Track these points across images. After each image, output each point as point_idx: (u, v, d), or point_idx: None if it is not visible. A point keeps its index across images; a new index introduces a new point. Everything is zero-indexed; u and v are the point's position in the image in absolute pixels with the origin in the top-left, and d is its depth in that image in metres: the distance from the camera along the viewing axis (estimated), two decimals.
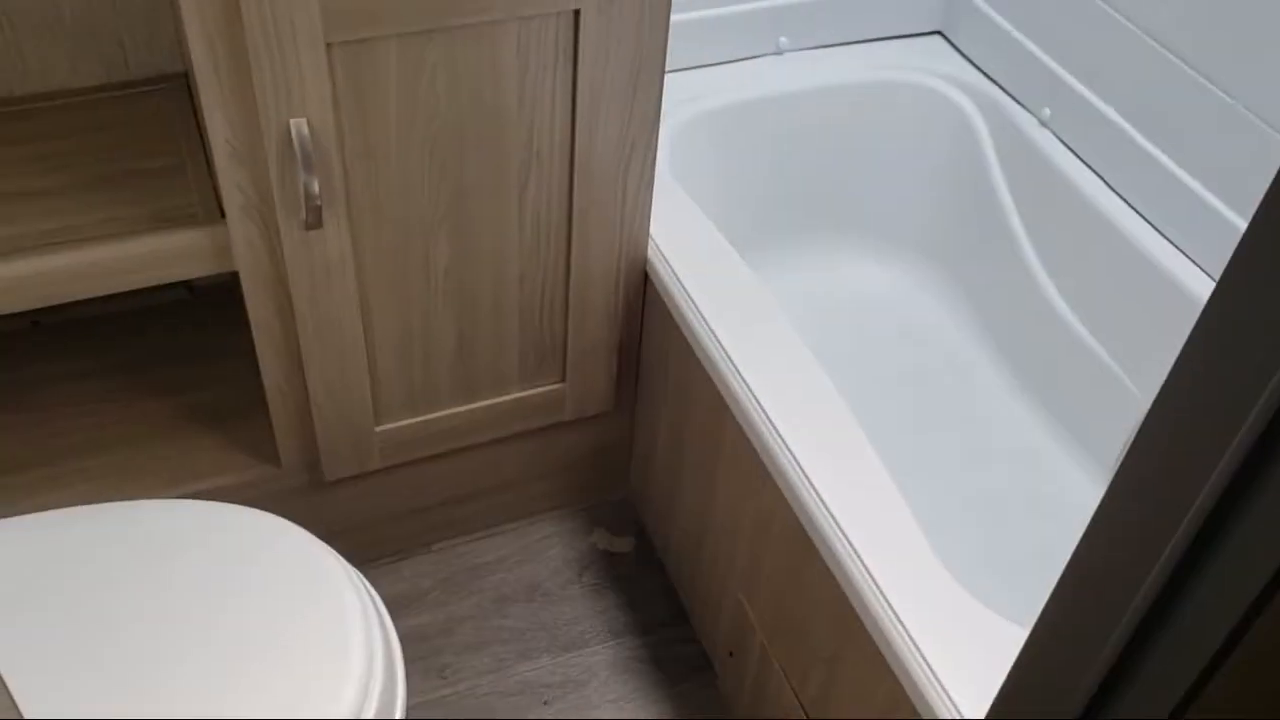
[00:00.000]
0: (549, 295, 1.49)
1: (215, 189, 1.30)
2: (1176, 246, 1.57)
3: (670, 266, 1.46)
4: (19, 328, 1.64)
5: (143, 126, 1.44)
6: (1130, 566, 0.55)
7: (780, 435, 1.25)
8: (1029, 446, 1.73)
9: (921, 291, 1.93)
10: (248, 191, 1.23)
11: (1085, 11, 1.64)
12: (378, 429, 1.50)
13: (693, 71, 1.82)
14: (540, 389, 1.58)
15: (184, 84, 1.51)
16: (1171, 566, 0.53)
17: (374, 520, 1.65)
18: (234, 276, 1.32)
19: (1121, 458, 0.56)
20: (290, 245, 1.27)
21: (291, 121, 1.17)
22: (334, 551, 1.14)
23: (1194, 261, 1.55)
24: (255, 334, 1.36)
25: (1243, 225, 1.46)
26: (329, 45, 1.15)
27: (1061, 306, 1.71)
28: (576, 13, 1.24)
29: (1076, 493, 1.67)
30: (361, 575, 1.15)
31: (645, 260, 1.51)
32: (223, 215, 1.27)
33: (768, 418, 1.27)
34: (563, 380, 1.59)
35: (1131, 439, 0.55)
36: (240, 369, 1.59)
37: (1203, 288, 1.51)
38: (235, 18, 1.10)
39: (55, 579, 1.06)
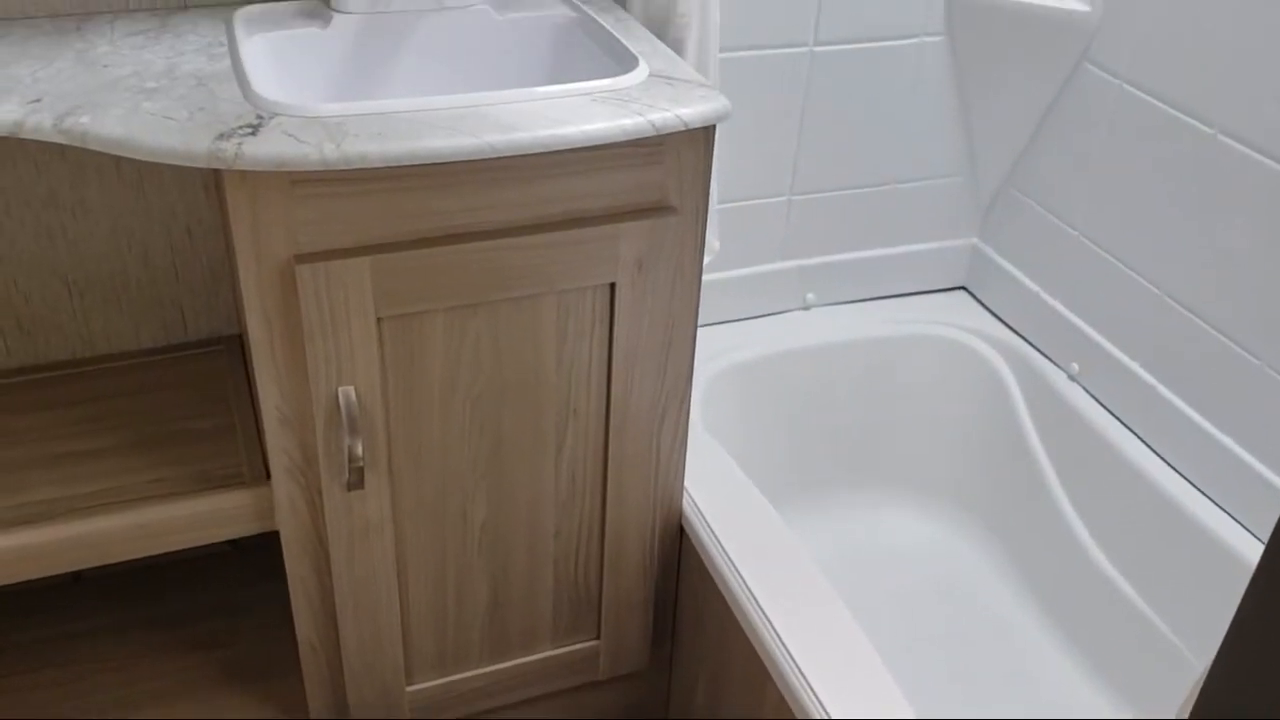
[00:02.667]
0: (584, 549, 1.49)
1: (262, 450, 1.34)
2: (1210, 499, 1.56)
3: (707, 522, 1.47)
4: (62, 581, 1.66)
5: (197, 387, 1.49)
6: None
7: (822, 704, 1.22)
8: (1073, 701, 1.67)
9: (958, 543, 1.91)
10: (293, 454, 1.26)
11: (1107, 273, 1.69)
12: (409, 688, 1.48)
13: (724, 326, 1.88)
14: (574, 646, 1.56)
15: (238, 344, 1.58)
16: None
17: None
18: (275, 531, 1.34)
19: None
20: (331, 506, 1.29)
21: (340, 389, 1.22)
22: None
23: (1230, 515, 1.54)
24: (292, 591, 1.37)
25: (1275, 479, 1.46)
26: (379, 319, 1.21)
27: (1100, 559, 1.69)
28: (612, 284, 1.31)
29: None
30: None
31: (681, 514, 1.52)
32: (268, 476, 1.30)
33: (810, 687, 1.24)
34: (597, 637, 1.57)
35: (1189, 704, 0.54)
36: (275, 622, 1.58)
37: (1239, 541, 1.50)
38: (291, 296, 1.17)
39: None
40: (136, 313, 1.54)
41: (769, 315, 1.91)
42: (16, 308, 1.48)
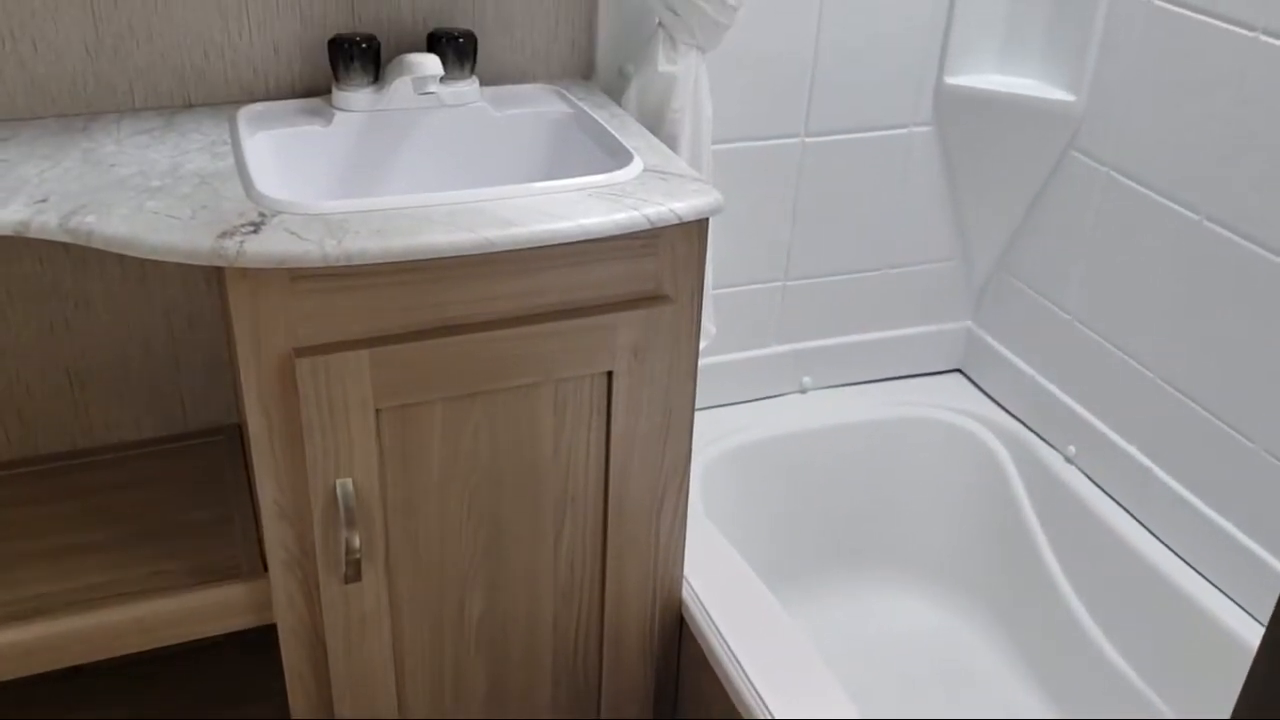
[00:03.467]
0: (583, 640, 1.48)
1: (260, 542, 1.34)
2: (1209, 581, 1.56)
3: (706, 611, 1.46)
4: (60, 672, 1.64)
5: (195, 479, 1.50)
6: None
7: None
8: None
9: (958, 626, 1.90)
10: (291, 547, 1.26)
11: (1101, 356, 1.71)
12: None
13: (721, 409, 1.89)
14: None
15: (237, 433, 1.59)
16: None
17: None
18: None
19: None
20: (329, 598, 1.29)
21: (338, 482, 1.22)
22: None
23: (1229, 597, 1.53)
24: (289, 683, 1.36)
25: (1273, 563, 1.46)
26: (378, 411, 1.22)
27: (1100, 640, 1.68)
28: (609, 373, 1.32)
29: None
30: None
31: (680, 603, 1.51)
32: (265, 569, 1.30)
33: None
34: None
35: None
36: (273, 713, 1.57)
37: (1238, 622, 1.50)
38: (291, 389, 1.18)
39: None
40: (136, 403, 1.55)
41: (766, 398, 1.92)
42: (18, 399, 1.49)
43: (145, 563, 1.35)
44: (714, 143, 1.63)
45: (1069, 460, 1.78)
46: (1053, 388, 1.81)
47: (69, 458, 1.53)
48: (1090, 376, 1.74)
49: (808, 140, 1.75)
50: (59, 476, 1.50)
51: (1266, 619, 1.47)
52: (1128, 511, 1.69)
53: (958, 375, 2.01)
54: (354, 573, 1.25)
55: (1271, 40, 1.38)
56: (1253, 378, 1.47)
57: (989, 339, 1.95)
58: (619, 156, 1.35)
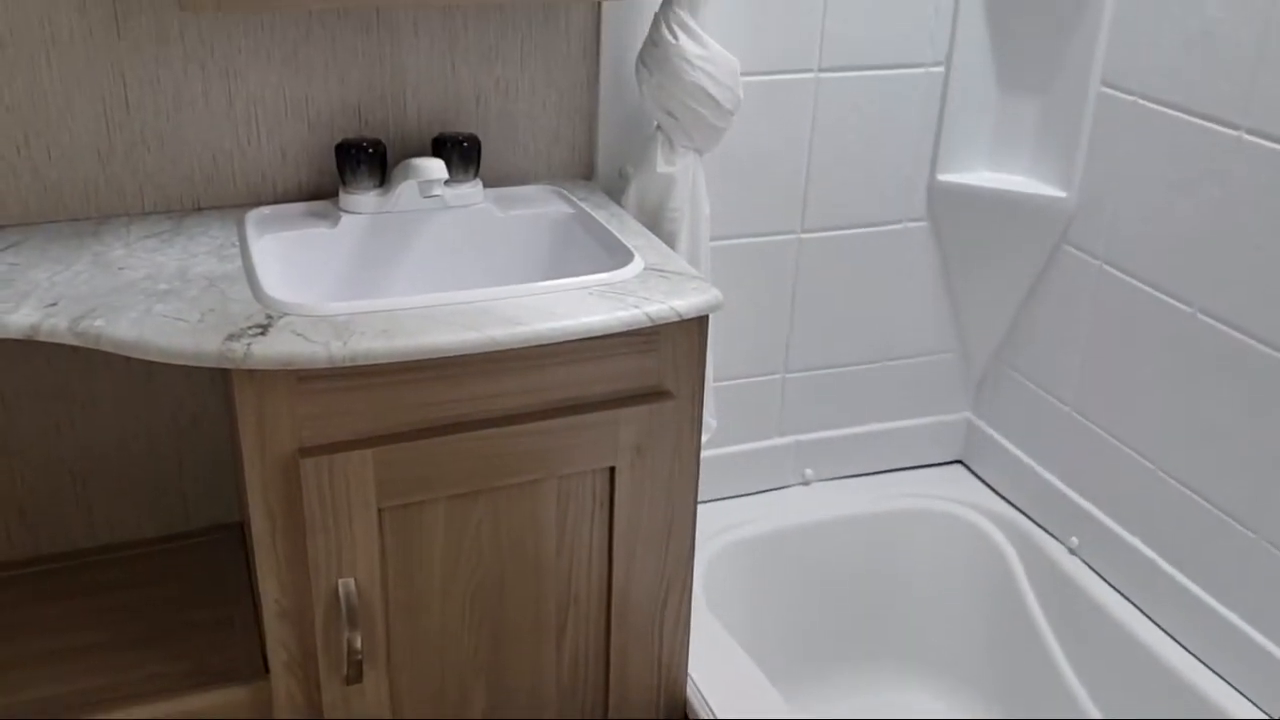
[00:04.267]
0: None
1: (261, 643, 1.33)
2: (1214, 672, 1.54)
3: (710, 709, 1.44)
4: None
5: (197, 578, 1.49)
6: None
7: None
8: None
9: (962, 718, 1.88)
10: (292, 648, 1.26)
11: (1101, 448, 1.72)
12: None
13: (724, 502, 1.89)
14: None
15: (239, 532, 1.58)
16: None
17: None
18: None
19: None
20: (330, 700, 1.28)
21: (340, 581, 1.22)
22: None
23: (1234, 688, 1.52)
24: None
25: (1277, 653, 1.45)
26: (381, 510, 1.22)
27: None
28: (612, 468, 1.32)
29: None
30: None
31: (685, 701, 1.49)
32: (266, 670, 1.29)
33: None
34: None
35: None
36: None
37: (1245, 714, 1.48)
38: (295, 488, 1.18)
39: None
40: (139, 502, 1.55)
41: (768, 491, 1.92)
42: (20, 499, 1.50)
43: (145, 665, 1.34)
44: (712, 239, 1.66)
45: (1072, 552, 1.77)
46: (1054, 479, 1.81)
47: (71, 558, 1.52)
48: (1091, 468, 1.74)
49: (804, 236, 1.78)
50: (60, 577, 1.49)
51: (1271, 709, 1.45)
52: (1132, 603, 1.68)
53: (959, 466, 2.01)
54: (355, 674, 1.24)
55: (1255, 139, 1.42)
56: (1251, 469, 1.48)
57: (989, 430, 1.95)
58: (620, 255, 1.37)
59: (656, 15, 1.49)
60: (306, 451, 1.18)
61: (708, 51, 1.48)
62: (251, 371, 1.13)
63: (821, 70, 1.68)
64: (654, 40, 1.49)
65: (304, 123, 1.46)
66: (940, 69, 1.74)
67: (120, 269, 1.28)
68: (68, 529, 1.53)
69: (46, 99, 1.35)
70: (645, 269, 1.34)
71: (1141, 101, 1.58)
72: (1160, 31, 1.54)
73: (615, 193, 1.61)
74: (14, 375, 1.45)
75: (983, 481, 1.96)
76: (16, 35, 1.32)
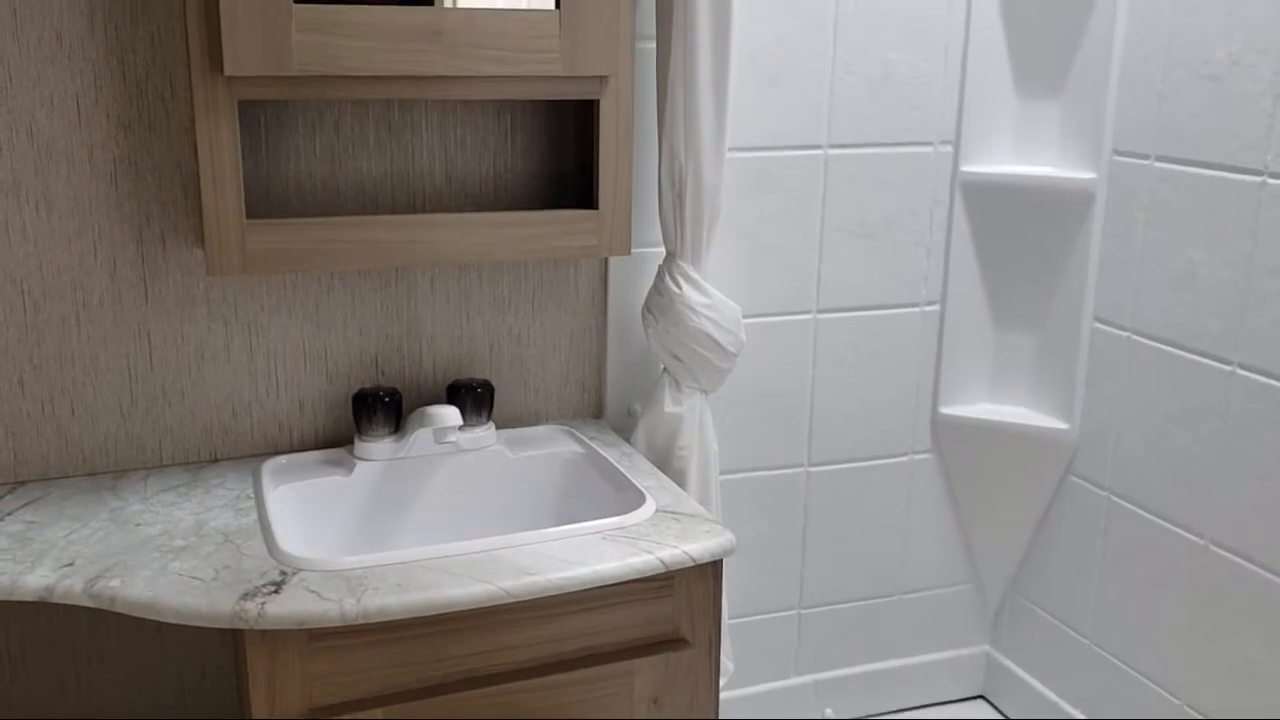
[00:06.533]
0: None
1: None
2: None
3: None
4: None
5: None
6: None
7: None
8: None
9: None
10: None
11: (1122, 681, 1.68)
12: None
13: None
14: None
15: None
16: None
17: None
18: None
19: None
20: None
21: None
22: None
23: None
24: None
25: None
26: None
27: None
28: None
29: None
30: None
31: None
32: None
33: None
34: None
35: None
36: None
37: None
38: None
39: None
40: None
41: None
42: None
43: None
44: (721, 474, 1.68)
45: None
46: (1077, 713, 1.76)
47: None
48: (1112, 701, 1.69)
49: (811, 470, 1.79)
50: None
51: None
52: None
53: (981, 702, 1.96)
54: None
55: (1248, 374, 1.45)
56: (1274, 705, 1.44)
57: (1008, 663, 1.91)
58: (631, 497, 1.38)
59: (661, 266, 1.56)
60: (316, 710, 1.15)
61: (710, 299, 1.54)
62: (264, 631, 1.12)
63: (820, 311, 1.74)
64: (659, 290, 1.55)
65: (322, 373, 1.51)
66: (936, 307, 1.80)
67: (137, 525, 1.29)
68: None
69: (74, 359, 1.40)
70: (657, 511, 1.35)
71: (1135, 337, 1.63)
72: (1146, 271, 1.60)
73: (624, 430, 1.64)
74: (23, 631, 1.43)
75: (1006, 717, 1.90)
76: (50, 299, 1.37)
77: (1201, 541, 1.54)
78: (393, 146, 1.47)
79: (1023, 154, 1.75)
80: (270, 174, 1.42)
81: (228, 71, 1.25)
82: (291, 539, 1.26)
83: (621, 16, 1.40)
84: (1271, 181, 1.41)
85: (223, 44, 1.24)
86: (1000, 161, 1.75)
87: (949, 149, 1.74)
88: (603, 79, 1.42)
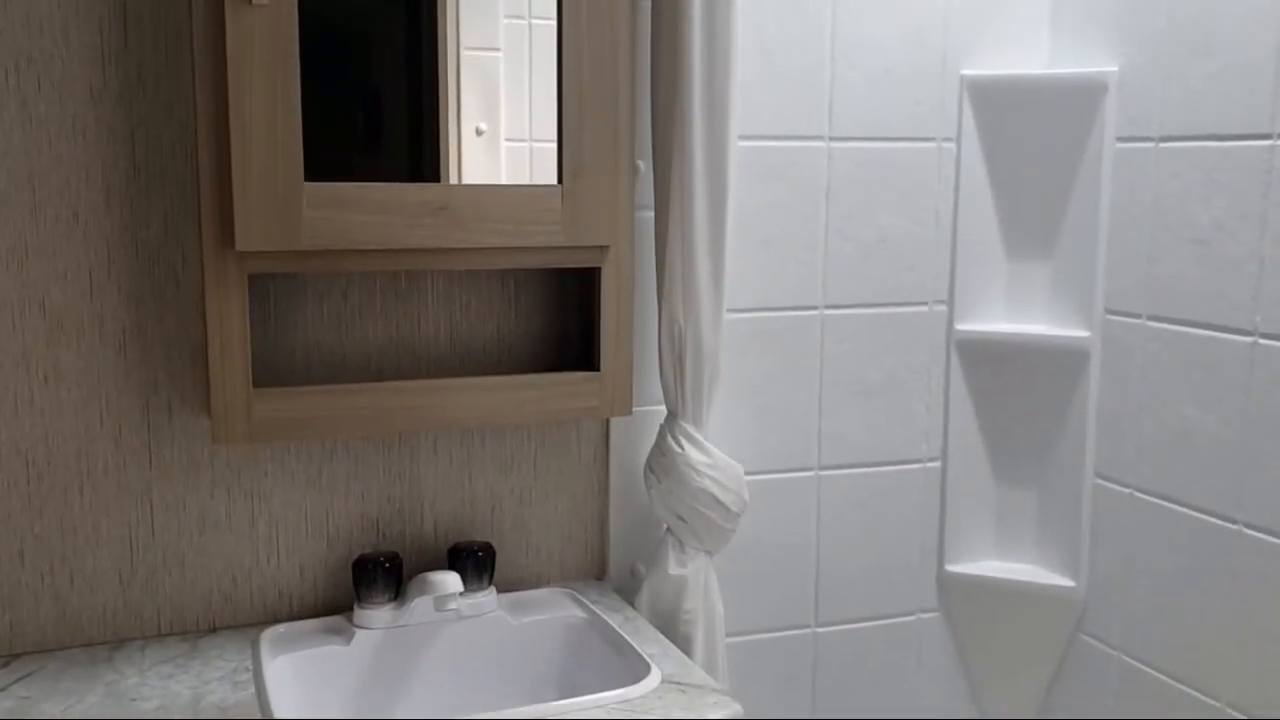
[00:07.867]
0: None
1: None
2: None
3: None
4: None
5: None
6: None
7: None
8: None
9: None
10: None
11: None
12: None
13: None
14: None
15: None
16: None
17: None
18: None
19: None
20: None
21: None
22: None
23: None
24: None
25: None
26: None
27: None
28: None
29: None
30: None
31: None
32: None
33: None
34: None
35: None
36: None
37: None
38: None
39: None
40: None
41: None
42: None
43: None
44: (728, 636, 1.65)
45: None
46: None
47: None
48: None
49: (819, 630, 1.77)
50: None
51: None
52: None
53: None
54: None
55: (1252, 533, 1.45)
56: None
57: None
58: (636, 666, 1.36)
59: (662, 426, 1.57)
60: None
61: (712, 459, 1.55)
62: None
63: (822, 469, 1.74)
64: (661, 449, 1.56)
65: (323, 540, 1.50)
66: (937, 464, 1.80)
67: (133, 700, 1.27)
68: None
69: (76, 528, 1.39)
70: (663, 681, 1.32)
71: (1137, 494, 1.63)
72: (1144, 428, 1.61)
73: (628, 592, 1.62)
74: None
75: None
76: (54, 469, 1.38)
77: (1218, 704, 1.51)
78: (399, 313, 1.50)
79: (1015, 313, 1.78)
80: (278, 342, 1.44)
81: (239, 247, 1.28)
82: (289, 710, 1.23)
83: (621, 189, 1.44)
84: (1263, 342, 1.43)
85: (235, 220, 1.28)
86: (994, 320, 1.78)
87: (943, 308, 1.77)
88: (604, 248, 1.46)
